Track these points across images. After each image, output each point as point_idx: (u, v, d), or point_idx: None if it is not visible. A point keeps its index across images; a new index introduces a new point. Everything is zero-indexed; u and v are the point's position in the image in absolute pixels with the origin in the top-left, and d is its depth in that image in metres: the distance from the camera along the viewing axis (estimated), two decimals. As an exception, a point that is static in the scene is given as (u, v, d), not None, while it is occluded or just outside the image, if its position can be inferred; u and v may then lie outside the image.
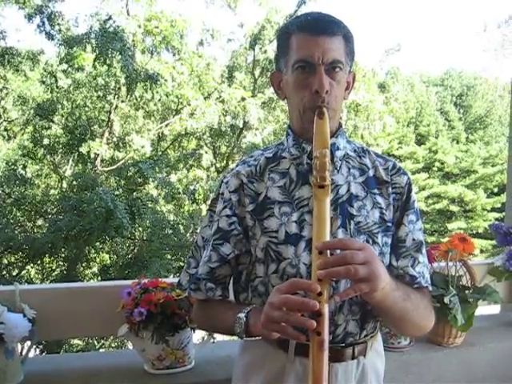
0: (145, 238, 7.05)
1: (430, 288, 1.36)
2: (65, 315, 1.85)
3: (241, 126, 8.56)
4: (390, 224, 1.30)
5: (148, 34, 7.40)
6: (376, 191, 1.32)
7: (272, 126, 9.76)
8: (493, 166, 23.24)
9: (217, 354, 1.94)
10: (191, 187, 8.26)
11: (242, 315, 1.17)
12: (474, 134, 25.18)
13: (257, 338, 1.17)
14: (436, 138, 23.46)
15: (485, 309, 2.07)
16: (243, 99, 8.42)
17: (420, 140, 24.15)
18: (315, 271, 1.04)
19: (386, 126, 11.21)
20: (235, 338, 1.24)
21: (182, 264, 7.65)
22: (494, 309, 2.71)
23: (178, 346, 1.75)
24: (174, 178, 8.08)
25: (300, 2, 9.24)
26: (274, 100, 9.36)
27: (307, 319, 0.99)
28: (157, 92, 7.15)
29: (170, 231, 7.26)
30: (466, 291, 2.02)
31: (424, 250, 1.35)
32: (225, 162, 10.30)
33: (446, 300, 1.90)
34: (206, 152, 9.56)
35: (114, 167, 7.51)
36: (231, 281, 1.36)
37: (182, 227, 7.74)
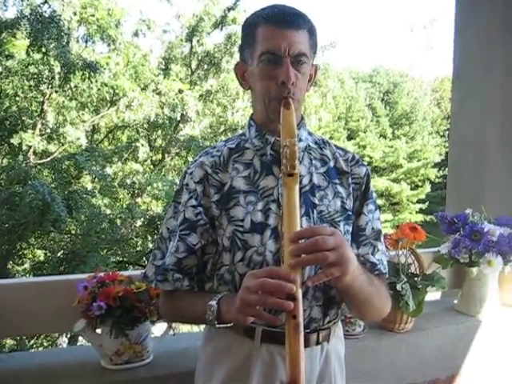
0: (81, 232, 6.84)
1: (387, 275, 1.42)
2: (14, 311, 1.78)
3: (178, 118, 8.46)
4: (350, 213, 1.36)
5: (83, 22, 7.17)
6: (337, 181, 1.37)
7: (209, 119, 9.72)
8: (417, 160, 24.23)
9: (175, 347, 1.92)
10: (128, 180, 8.09)
11: (213, 303, 1.18)
12: (399, 130, 26.11)
13: (228, 324, 1.18)
14: (365, 133, 24.18)
15: (428, 295, 2.16)
16: (181, 91, 8.34)
17: (350, 135, 24.83)
18: (287, 257, 1.06)
19: (322, 120, 11.42)
20: (195, 329, 1.24)
21: (119, 258, 7.51)
22: (435, 295, 2.83)
23: (137, 340, 1.72)
24: (109, 170, 7.88)
25: (239, -5, 9.22)
26: (211, 93, 9.32)
27: (284, 301, 1.01)
28: (96, 81, 6.93)
29: (107, 225, 7.09)
30: (415, 278, 2.10)
31: (382, 239, 1.42)
32: (161, 155, 10.15)
33: (398, 287, 1.98)
34: (143, 145, 9.39)
35: (47, 160, 7.23)
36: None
37: (119, 221, 7.58)
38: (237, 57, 9.61)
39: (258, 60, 1.26)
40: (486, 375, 2.35)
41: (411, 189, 23.34)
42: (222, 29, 9.59)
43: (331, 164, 1.39)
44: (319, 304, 1.30)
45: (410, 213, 22.77)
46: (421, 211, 22.80)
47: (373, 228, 1.38)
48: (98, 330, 1.70)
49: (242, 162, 1.34)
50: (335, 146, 1.45)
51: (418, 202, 23.16)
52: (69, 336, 6.78)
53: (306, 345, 1.27)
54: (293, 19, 1.25)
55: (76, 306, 1.68)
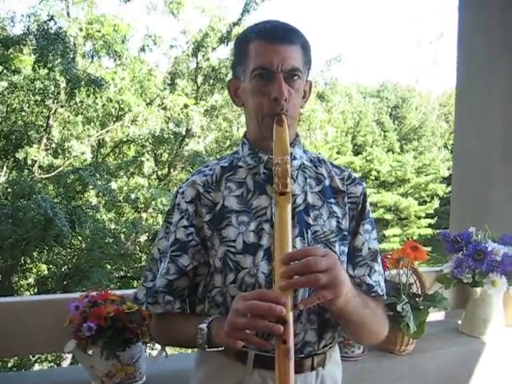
0: (85, 247, 6.83)
1: (385, 297, 1.38)
2: (6, 331, 1.75)
3: (183, 133, 8.48)
4: (346, 233, 1.32)
5: (89, 37, 7.21)
6: (332, 200, 1.33)
7: (214, 134, 9.74)
8: (426, 175, 24.18)
9: (168, 369, 1.88)
10: (132, 195, 8.09)
11: (203, 326, 1.15)
12: (408, 145, 26.11)
13: (219, 348, 1.14)
14: (371, 147, 24.19)
15: (430, 315, 2.11)
16: (186, 106, 8.36)
17: (357, 150, 24.85)
18: (278, 279, 1.02)
19: (327, 135, 11.41)
20: (188, 351, 1.21)
21: (123, 274, 7.48)
22: (438, 315, 2.78)
23: (129, 362, 1.68)
24: (114, 185, 7.89)
25: (244, 10, 9.28)
26: (216, 108, 9.34)
27: (274, 324, 0.97)
28: (100, 97, 6.95)
29: (111, 240, 7.07)
30: (417, 299, 2.06)
31: (379, 259, 1.37)
32: (166, 169, 10.17)
33: (399, 308, 1.92)
34: (148, 159, 9.41)
35: (52, 174, 7.25)
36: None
37: (123, 236, 7.56)
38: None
39: (251, 76, 1.24)
40: (491, 399, 2.29)
41: (419, 204, 23.25)
42: (227, 44, 9.64)
43: (326, 183, 1.35)
44: (314, 327, 1.26)
45: (418, 227, 22.67)
46: (429, 226, 22.69)
47: (369, 248, 1.34)
48: (90, 351, 1.66)
49: (234, 181, 1.30)
50: (331, 164, 1.42)
51: (427, 216, 23.05)
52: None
53: (300, 370, 1.23)
54: (285, 34, 1.23)
55: (67, 325, 1.65)
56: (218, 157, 9.64)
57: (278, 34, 1.22)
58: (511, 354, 2.34)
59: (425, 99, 30.84)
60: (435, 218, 22.75)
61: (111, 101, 7.50)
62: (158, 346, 1.78)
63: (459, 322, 2.46)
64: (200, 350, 1.32)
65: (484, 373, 2.25)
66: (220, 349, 1.14)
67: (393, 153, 25.07)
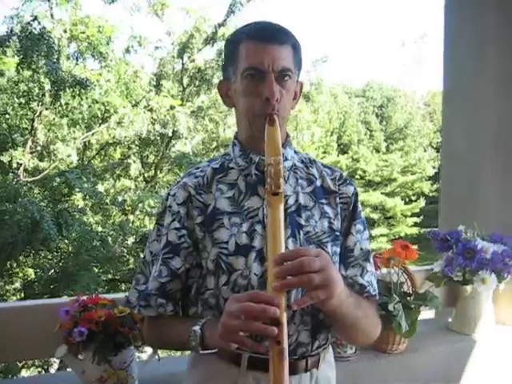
0: (72, 250, 6.77)
1: (377, 297, 1.38)
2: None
3: (170, 134, 8.44)
4: (338, 233, 1.32)
5: (74, 39, 7.15)
6: (324, 201, 1.33)
7: (201, 135, 9.71)
8: (412, 174, 24.35)
9: (160, 372, 1.87)
10: (119, 197, 8.04)
11: (196, 328, 1.14)
12: (394, 144, 26.26)
13: (213, 350, 1.13)
14: (358, 147, 24.31)
15: (420, 314, 2.11)
16: (172, 108, 8.33)
17: (343, 149, 24.95)
18: (271, 279, 1.02)
19: (314, 135, 11.44)
20: (178, 353, 1.20)
21: (111, 277, 7.42)
22: (429, 314, 2.79)
23: (121, 366, 1.66)
24: (101, 188, 7.83)
25: (229, 11, 9.27)
26: (203, 109, 9.31)
27: (268, 326, 0.97)
28: (86, 98, 6.89)
29: (98, 243, 7.01)
30: (408, 298, 2.06)
31: (371, 259, 1.38)
32: (153, 171, 10.12)
33: (391, 307, 1.93)
34: (134, 161, 9.35)
35: (38, 177, 7.18)
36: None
37: (110, 239, 7.51)
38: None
39: (242, 76, 1.24)
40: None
41: (406, 203, 23.42)
42: (212, 45, 9.64)
43: (318, 183, 1.35)
44: (307, 328, 1.25)
45: (406, 226, 22.81)
46: (416, 225, 22.85)
47: (361, 249, 1.34)
48: (81, 356, 1.63)
49: (226, 183, 1.30)
50: (322, 164, 1.42)
51: (413, 215, 23.21)
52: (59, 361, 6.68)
53: (294, 372, 1.23)
54: (276, 34, 1.23)
55: (58, 330, 1.62)
56: (205, 158, 9.61)
57: (268, 35, 1.22)
58: (501, 351, 2.36)
59: (410, 99, 31.04)
60: (421, 217, 22.91)
61: (97, 102, 7.44)
62: (147, 350, 1.76)
63: (449, 319, 2.47)
64: (193, 352, 1.32)
65: (475, 370, 2.26)
66: (213, 351, 1.14)
67: (378, 152, 25.21)
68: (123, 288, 7.40)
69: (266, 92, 1.20)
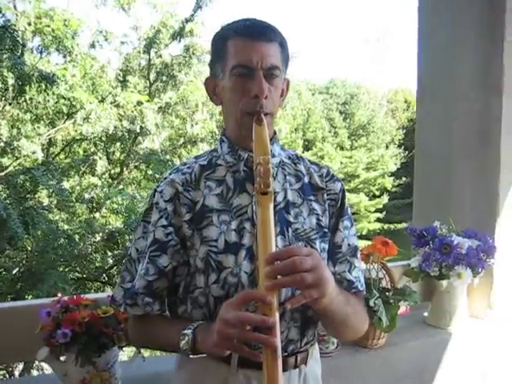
0: (38, 249, 6.61)
1: (365, 292, 1.40)
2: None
3: (138, 130, 8.33)
4: (326, 230, 1.33)
5: (38, 32, 6.97)
6: (312, 198, 1.34)
7: (168, 131, 9.62)
8: (375, 170, 24.71)
9: (144, 372, 1.85)
10: (86, 195, 7.89)
11: (188, 332, 1.13)
12: (357, 141, 26.58)
13: (203, 355, 1.13)
14: (322, 144, 24.54)
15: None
16: (140, 103, 8.22)
17: (307, 146, 25.14)
18: (263, 279, 1.02)
19: (281, 132, 11.48)
20: (162, 353, 1.19)
21: (79, 275, 7.29)
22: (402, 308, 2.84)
23: (105, 367, 1.63)
24: (66, 185, 7.67)
25: (196, 6, 9.19)
26: (171, 105, 9.22)
27: (267, 337, 0.97)
28: (53, 93, 6.72)
29: (65, 241, 6.87)
30: (387, 293, 2.09)
31: (359, 255, 1.38)
32: (119, 168, 9.95)
33: (371, 303, 1.96)
34: (100, 158, 9.19)
35: (1, 174, 6.98)
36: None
37: (77, 237, 7.37)
38: (196, 69, 9.55)
39: (230, 73, 1.24)
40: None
41: (369, 199, 23.75)
42: (179, 40, 9.53)
43: (306, 180, 1.36)
44: (297, 325, 1.26)
45: (368, 222, 23.14)
46: (378, 220, 23.20)
47: (349, 245, 1.36)
48: (63, 358, 1.60)
49: (214, 179, 1.30)
50: (309, 161, 1.43)
51: (376, 211, 23.57)
52: (23, 364, 6.51)
53: (284, 369, 1.23)
54: (264, 32, 1.23)
55: (39, 332, 1.59)
56: (173, 155, 9.51)
57: (257, 32, 1.23)
58: (475, 344, 2.42)
59: (372, 96, 31.47)
60: (384, 213, 23.27)
61: (64, 98, 7.27)
62: (128, 349, 1.73)
63: (425, 314, 2.52)
64: (179, 351, 1.31)
65: (451, 362, 2.32)
66: (203, 355, 1.13)
67: (342, 149, 25.49)
68: (91, 287, 7.29)
69: (254, 89, 1.20)
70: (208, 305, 1.22)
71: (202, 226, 1.24)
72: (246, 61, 1.20)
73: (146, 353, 1.76)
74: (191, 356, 1.13)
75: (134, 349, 1.71)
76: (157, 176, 8.70)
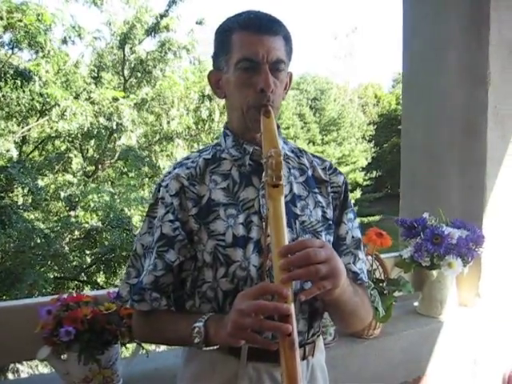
0: (14, 248, 6.49)
1: (367, 283, 1.41)
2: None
3: (114, 127, 8.22)
4: (331, 222, 1.34)
5: (10, 27, 6.80)
6: (316, 190, 1.35)
7: (143, 127, 9.52)
8: (346, 165, 24.93)
9: (143, 369, 1.84)
10: (61, 193, 7.77)
11: (199, 325, 1.12)
12: (328, 136, 26.77)
13: (215, 347, 1.12)
14: (293, 139, 24.67)
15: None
16: (115, 100, 8.11)
17: (280, 141, 25.22)
18: (278, 272, 1.02)
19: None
20: (161, 349, 1.18)
21: (57, 274, 7.17)
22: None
23: (107, 365, 1.61)
24: (42, 183, 7.55)
25: (171, 1, 9.12)
26: (147, 101, 9.14)
27: (282, 324, 0.97)
28: (29, 90, 6.57)
29: (42, 240, 6.77)
30: (381, 284, 2.11)
31: (362, 247, 1.39)
32: (95, 165, 9.83)
33: (367, 294, 1.96)
34: (76, 155, 9.06)
35: (-26, 173, 6.83)
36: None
37: (53, 235, 7.26)
38: (173, 64, 9.47)
39: (235, 67, 1.22)
40: (450, 374, 2.41)
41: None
42: (154, 36, 9.45)
43: (309, 173, 1.36)
44: (305, 317, 1.27)
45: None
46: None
47: (353, 237, 1.36)
48: (64, 357, 1.58)
49: (219, 174, 1.29)
50: (312, 154, 1.43)
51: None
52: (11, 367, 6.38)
53: (294, 360, 1.24)
54: (269, 25, 1.22)
55: (39, 331, 1.56)
56: (151, 152, 9.43)
57: (262, 25, 1.22)
58: (466, 332, 2.47)
59: (342, 91, 31.74)
60: (356, 207, 23.51)
61: (38, 95, 7.10)
62: (131, 346, 1.71)
63: (415, 304, 2.56)
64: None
65: (443, 350, 2.36)
66: (215, 347, 1.12)
67: (314, 144, 25.62)
68: (71, 286, 7.18)
69: (261, 83, 1.19)
70: (217, 299, 1.21)
71: (209, 220, 1.23)
72: (251, 54, 1.19)
73: (145, 349, 1.74)
74: (204, 348, 1.12)
75: (134, 345, 1.70)
76: (133, 173, 8.61)
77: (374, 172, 27.52)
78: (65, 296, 1.65)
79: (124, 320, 1.58)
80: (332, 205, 1.35)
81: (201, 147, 10.11)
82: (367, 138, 28.85)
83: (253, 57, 1.19)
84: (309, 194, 1.32)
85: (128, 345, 1.70)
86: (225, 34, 1.25)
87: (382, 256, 2.26)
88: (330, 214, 1.33)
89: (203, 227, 1.23)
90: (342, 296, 1.13)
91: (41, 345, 1.57)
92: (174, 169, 1.31)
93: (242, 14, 1.27)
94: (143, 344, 1.70)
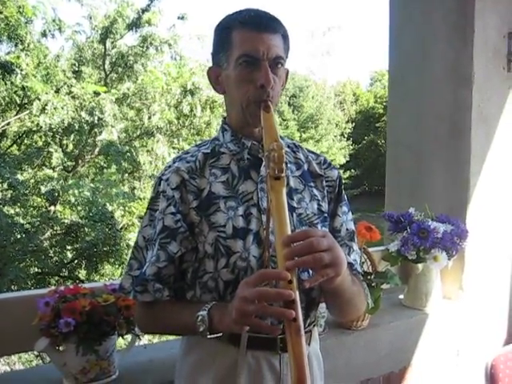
0: (-5, 244, 6.42)
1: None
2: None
3: (96, 122, 8.16)
4: (326, 215, 1.38)
5: (-9, 20, 6.72)
6: (312, 184, 1.39)
7: (124, 122, 9.45)
8: (324, 162, 25.09)
9: (138, 360, 1.85)
10: (42, 187, 7.70)
11: (203, 313, 1.15)
12: (306, 133, 26.88)
13: (219, 334, 1.16)
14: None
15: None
16: (97, 94, 8.05)
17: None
18: (281, 260, 1.05)
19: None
20: (156, 340, 1.20)
21: (38, 270, 7.10)
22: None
23: (104, 356, 1.63)
24: (22, 177, 7.46)
25: (152, -4, 9.07)
26: (128, 96, 9.08)
27: (285, 310, 1.00)
28: (10, 83, 6.48)
29: (22, 235, 6.71)
30: (369, 276, 2.16)
31: (356, 239, 1.44)
32: (75, 160, 9.72)
33: (357, 286, 2.01)
34: (56, 150, 8.96)
35: (-47, 168, 6.72)
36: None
37: (34, 230, 7.19)
38: (154, 59, 9.41)
39: (236, 63, 1.26)
40: (434, 364, 2.48)
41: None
42: (136, 31, 9.39)
43: (305, 167, 1.41)
44: (302, 306, 1.28)
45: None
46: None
47: (347, 229, 1.41)
48: (61, 348, 1.59)
49: (218, 167, 1.33)
50: (307, 149, 1.48)
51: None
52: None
53: (289, 349, 1.28)
54: (269, 23, 1.27)
55: (36, 323, 1.57)
56: (132, 147, 9.35)
57: (262, 23, 1.26)
58: (449, 324, 2.54)
59: (320, 88, 31.89)
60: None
61: (19, 88, 7.01)
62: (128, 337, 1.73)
63: (400, 296, 2.62)
64: (188, 336, 1.33)
65: (428, 341, 2.42)
66: (219, 335, 1.16)
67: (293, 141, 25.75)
68: (52, 282, 7.12)
69: (261, 79, 1.23)
70: (218, 289, 1.25)
71: (209, 213, 1.26)
72: (252, 51, 1.23)
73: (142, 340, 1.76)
74: (208, 336, 1.15)
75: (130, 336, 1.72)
76: (113, 168, 8.52)
77: (353, 170, 27.75)
78: (62, 288, 1.66)
79: (122, 311, 1.60)
80: (327, 198, 1.40)
81: (181, 143, 10.07)
82: (345, 136, 29.07)
83: (253, 53, 1.23)
84: (305, 188, 1.36)
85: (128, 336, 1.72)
86: (225, 31, 1.29)
87: (371, 249, 2.31)
88: (325, 206, 1.38)
89: (204, 219, 1.26)
90: (343, 284, 1.16)
91: (37, 337, 1.58)
92: (174, 163, 1.35)
93: (242, 11, 1.31)
94: (141, 336, 1.72)
